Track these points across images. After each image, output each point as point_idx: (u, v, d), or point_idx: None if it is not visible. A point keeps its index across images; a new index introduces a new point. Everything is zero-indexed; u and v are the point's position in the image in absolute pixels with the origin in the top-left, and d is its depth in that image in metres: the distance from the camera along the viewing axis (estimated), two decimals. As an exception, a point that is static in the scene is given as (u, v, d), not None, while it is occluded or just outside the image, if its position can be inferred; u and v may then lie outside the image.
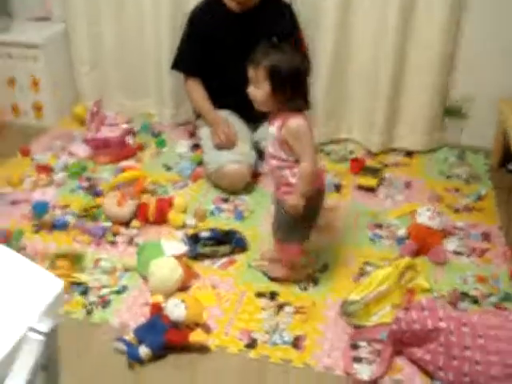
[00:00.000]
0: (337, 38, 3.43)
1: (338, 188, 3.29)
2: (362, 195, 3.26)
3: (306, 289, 2.60)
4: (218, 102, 3.35)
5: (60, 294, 1.24)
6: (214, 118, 3.29)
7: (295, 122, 2.24)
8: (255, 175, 3.33)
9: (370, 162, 3.52)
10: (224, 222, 3.01)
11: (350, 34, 3.45)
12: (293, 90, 2.24)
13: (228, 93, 3.28)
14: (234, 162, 3.13)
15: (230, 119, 3.28)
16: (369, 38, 3.43)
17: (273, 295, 2.56)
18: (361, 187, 3.28)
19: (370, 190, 3.26)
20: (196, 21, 3.29)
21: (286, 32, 3.18)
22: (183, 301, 2.32)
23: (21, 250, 2.80)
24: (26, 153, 3.63)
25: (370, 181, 3.27)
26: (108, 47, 3.91)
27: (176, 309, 2.30)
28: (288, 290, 2.58)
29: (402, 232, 2.88)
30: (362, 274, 2.67)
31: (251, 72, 2.30)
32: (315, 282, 2.64)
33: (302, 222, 2.41)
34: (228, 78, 3.27)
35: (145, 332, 2.30)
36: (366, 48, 3.46)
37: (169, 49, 3.57)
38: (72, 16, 3.85)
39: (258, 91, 2.30)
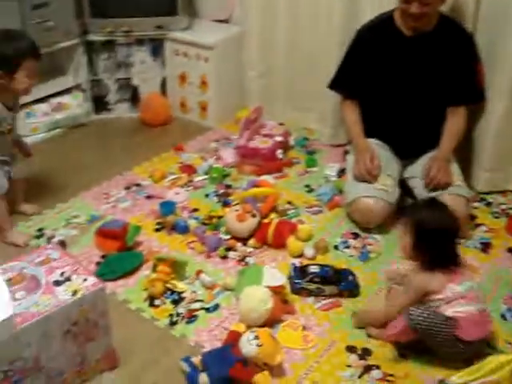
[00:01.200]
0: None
1: (486, 246, 2.88)
2: (512, 261, 2.81)
3: (404, 356, 2.28)
4: (373, 129, 3.10)
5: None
6: (361, 146, 3.05)
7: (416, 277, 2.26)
8: (396, 214, 2.99)
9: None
10: (344, 259, 2.78)
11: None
12: (434, 248, 2.21)
13: (385, 121, 3.06)
14: (370, 196, 2.87)
15: (378, 150, 3.02)
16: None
17: (364, 353, 2.29)
18: (513, 251, 2.84)
19: (525, 257, 2.81)
20: (361, 40, 3.06)
21: (464, 62, 2.94)
22: (257, 337, 2.14)
23: (135, 245, 2.80)
24: (178, 149, 3.66)
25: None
26: (278, 56, 3.83)
27: (247, 344, 2.14)
28: (383, 352, 2.29)
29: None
30: (477, 353, 2.28)
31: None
32: (418, 350, 2.30)
33: None
34: (388, 105, 3.05)
35: (212, 359, 2.17)
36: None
37: (336, 65, 3.38)
38: (248, 21, 3.84)
39: (404, 239, 2.29)
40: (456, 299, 2.17)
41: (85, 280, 2.03)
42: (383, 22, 3.00)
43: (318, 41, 3.62)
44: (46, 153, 3.59)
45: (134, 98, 4.18)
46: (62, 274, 2.05)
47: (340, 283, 2.55)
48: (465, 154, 3.18)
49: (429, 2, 2.76)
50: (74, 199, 3.21)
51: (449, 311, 2.16)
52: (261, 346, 2.12)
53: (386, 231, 2.96)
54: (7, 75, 2.71)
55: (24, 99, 3.24)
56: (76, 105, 3.97)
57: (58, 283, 2.01)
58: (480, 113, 3.15)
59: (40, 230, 2.97)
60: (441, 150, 2.97)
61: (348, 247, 2.86)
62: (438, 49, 2.93)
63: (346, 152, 3.30)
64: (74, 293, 1.97)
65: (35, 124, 3.80)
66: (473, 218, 3.04)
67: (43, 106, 3.82)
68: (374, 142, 3.08)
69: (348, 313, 2.47)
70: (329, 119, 3.68)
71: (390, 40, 2.99)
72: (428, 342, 2.19)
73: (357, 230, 2.97)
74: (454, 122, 3.01)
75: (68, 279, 2.03)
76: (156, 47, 4.04)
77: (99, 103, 4.14)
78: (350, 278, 2.59)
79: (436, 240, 2.20)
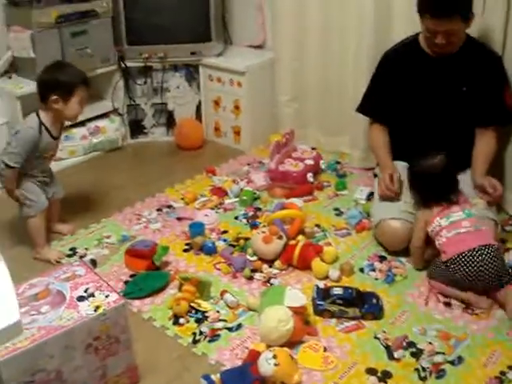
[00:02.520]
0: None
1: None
2: None
3: (425, 379, 2.27)
4: (401, 151, 3.10)
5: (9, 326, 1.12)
6: (382, 165, 3.08)
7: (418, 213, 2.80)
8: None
9: None
10: (370, 282, 2.78)
11: None
12: (424, 188, 2.80)
13: (413, 143, 3.04)
14: (395, 218, 2.88)
15: (404, 172, 3.02)
16: None
17: (385, 376, 2.28)
18: None
19: None
20: (387, 63, 3.09)
21: (492, 83, 2.94)
22: (275, 356, 2.17)
23: (163, 264, 2.86)
24: (210, 172, 3.73)
25: None
26: (310, 80, 3.88)
27: (265, 363, 2.16)
28: (404, 375, 2.28)
29: None
30: (502, 382, 2.23)
31: None
32: (441, 373, 2.29)
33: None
34: (416, 127, 3.06)
35: (231, 377, 2.20)
36: None
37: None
38: (279, 47, 3.91)
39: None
40: (441, 230, 2.66)
41: (107, 296, 2.09)
42: (408, 45, 3.03)
43: (348, 65, 3.66)
44: (82, 175, 3.71)
45: (170, 122, 4.28)
46: (86, 290, 2.11)
47: (363, 306, 2.54)
48: (495, 176, 3.14)
49: (454, 33, 2.78)
50: (107, 220, 3.30)
51: (436, 243, 2.69)
52: (278, 365, 2.14)
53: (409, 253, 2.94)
54: (62, 101, 2.84)
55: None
56: (113, 129, 4.09)
57: (81, 299, 2.07)
58: (510, 134, 3.12)
59: (72, 249, 3.06)
60: (476, 173, 2.95)
61: (374, 270, 2.86)
62: (465, 70, 2.93)
63: (375, 175, 3.31)
64: (97, 308, 2.03)
65: (73, 147, 3.93)
66: (503, 241, 3.00)
67: (81, 130, 3.94)
68: (401, 165, 3.08)
69: (370, 335, 2.46)
70: (360, 143, 3.70)
71: (415, 62, 3.00)
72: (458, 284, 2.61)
73: (383, 253, 2.97)
74: (485, 143, 2.99)
75: (91, 295, 2.09)
76: (191, 73, 4.15)
77: (135, 127, 4.26)
78: (374, 300, 2.58)
79: (424, 182, 2.76)
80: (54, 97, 2.83)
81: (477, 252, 2.54)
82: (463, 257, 2.55)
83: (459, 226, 2.63)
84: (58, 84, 2.84)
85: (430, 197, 2.77)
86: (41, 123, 2.87)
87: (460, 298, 2.61)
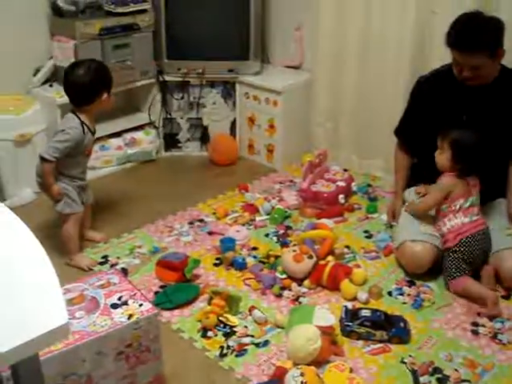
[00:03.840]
0: None
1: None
2: None
3: (450, 405, 2.27)
4: (430, 177, 3.09)
5: (55, 329, 1.15)
6: (395, 194, 3.27)
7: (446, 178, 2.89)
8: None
9: None
10: (397, 306, 2.78)
11: None
12: (467, 160, 2.83)
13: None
14: (416, 241, 2.89)
15: None
16: None
17: (408, 400, 2.28)
18: None
19: None
20: (421, 90, 3.11)
21: None
22: (302, 374, 2.19)
23: (193, 277, 2.89)
24: (243, 189, 3.76)
25: None
26: (345, 102, 3.92)
27: (292, 380, 2.19)
28: (428, 401, 2.28)
29: None
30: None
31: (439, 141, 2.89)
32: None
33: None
34: None
35: (257, 393, 2.21)
36: None
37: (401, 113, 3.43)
38: (317, 68, 3.95)
39: (442, 155, 2.88)
40: (458, 212, 2.83)
41: (140, 305, 2.12)
42: (443, 73, 3.04)
43: (384, 89, 3.69)
44: (115, 185, 3.77)
45: (204, 137, 4.33)
46: (120, 298, 2.15)
47: (390, 329, 2.55)
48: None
49: (479, 67, 2.80)
50: (139, 230, 3.35)
51: (445, 226, 2.87)
52: (305, 383, 2.15)
53: (441, 281, 2.95)
54: (108, 96, 3.00)
55: (99, 133, 3.44)
56: (148, 141, 4.15)
57: (115, 306, 2.11)
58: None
59: (104, 257, 3.11)
60: (510, 204, 2.96)
61: (402, 294, 2.86)
62: (498, 100, 2.93)
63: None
64: (130, 316, 2.07)
65: (108, 157, 3.99)
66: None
67: (117, 141, 4.01)
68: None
69: (397, 359, 2.46)
70: (392, 167, 3.69)
71: (449, 90, 3.00)
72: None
73: (412, 278, 2.97)
74: None
75: (125, 303, 2.13)
76: (227, 90, 4.20)
77: (170, 141, 4.31)
78: (401, 324, 2.59)
79: (469, 154, 2.81)
80: (105, 94, 2.96)
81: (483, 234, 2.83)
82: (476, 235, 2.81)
83: (473, 212, 2.85)
84: (109, 80, 3.00)
85: (470, 168, 2.85)
86: (82, 123, 2.96)
87: (479, 295, 2.74)
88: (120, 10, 3.75)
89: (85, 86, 2.92)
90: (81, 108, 2.97)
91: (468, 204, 2.86)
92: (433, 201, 2.93)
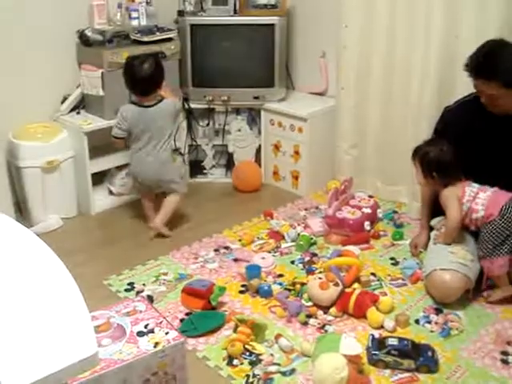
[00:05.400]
0: None
1: None
2: None
3: None
4: None
5: (85, 359, 1.14)
6: (420, 227, 3.31)
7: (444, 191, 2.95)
8: (477, 290, 2.98)
9: None
10: (425, 334, 2.75)
11: None
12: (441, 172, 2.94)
13: None
14: (446, 269, 2.86)
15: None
16: None
17: (437, 431, 2.24)
18: None
19: None
20: (448, 118, 3.11)
21: None
22: (328, 404, 2.15)
23: (219, 305, 2.89)
24: (268, 216, 3.76)
25: None
26: (371, 129, 3.93)
27: (319, 410, 2.15)
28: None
29: None
30: None
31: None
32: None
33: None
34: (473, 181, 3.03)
35: (284, 423, 2.19)
36: None
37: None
38: (341, 95, 3.96)
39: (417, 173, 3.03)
40: (477, 193, 2.88)
41: (167, 333, 2.12)
42: (470, 101, 3.03)
43: (409, 115, 3.69)
44: (141, 211, 3.77)
45: (229, 164, 4.35)
46: (146, 325, 2.15)
47: (418, 358, 2.51)
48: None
49: (496, 97, 2.80)
50: (164, 257, 3.36)
51: (478, 207, 2.87)
52: (333, 413, 2.13)
53: (469, 308, 2.91)
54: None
55: (125, 160, 3.49)
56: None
57: (141, 334, 2.11)
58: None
59: (130, 283, 3.12)
60: None
61: (429, 322, 2.83)
62: None
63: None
64: (156, 345, 2.06)
65: (134, 183, 4.00)
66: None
67: (143, 167, 4.02)
68: None
69: (425, 389, 2.43)
70: (418, 194, 3.67)
71: (475, 119, 2.99)
72: None
73: (439, 306, 2.93)
74: None
75: (151, 331, 2.13)
76: (252, 116, 4.24)
77: (196, 167, 4.33)
78: (429, 353, 2.55)
79: (439, 166, 2.93)
80: (164, 82, 3.42)
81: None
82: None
83: (486, 189, 2.92)
84: (163, 69, 3.47)
85: (452, 176, 2.95)
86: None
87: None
88: (146, 38, 3.80)
89: (150, 77, 3.37)
90: (148, 97, 3.40)
91: (475, 188, 2.92)
92: (456, 211, 2.91)
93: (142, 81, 3.36)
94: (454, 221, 2.92)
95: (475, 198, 2.88)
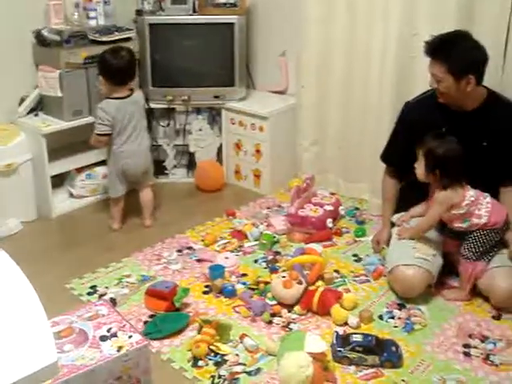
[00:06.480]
0: None
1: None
2: None
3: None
4: (418, 202, 3.10)
5: (45, 368, 1.12)
6: (382, 223, 3.33)
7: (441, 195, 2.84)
8: (439, 285, 3.02)
9: None
10: (388, 329, 2.77)
11: None
12: (445, 170, 2.80)
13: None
14: (409, 265, 2.88)
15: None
16: None
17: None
18: None
19: None
20: (407, 115, 3.13)
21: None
22: (295, 402, 2.16)
23: (183, 306, 2.87)
24: (231, 215, 3.75)
25: None
26: (332, 127, 3.95)
27: (285, 409, 2.15)
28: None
29: None
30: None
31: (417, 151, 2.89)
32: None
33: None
34: None
35: (250, 423, 2.18)
36: None
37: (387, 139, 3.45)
38: (302, 93, 3.97)
39: (420, 167, 2.87)
40: (477, 199, 2.82)
41: (130, 337, 2.10)
42: (430, 97, 3.04)
43: (369, 113, 3.72)
44: (102, 213, 3.74)
45: (191, 164, 4.33)
46: (109, 329, 2.13)
47: (382, 354, 2.53)
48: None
49: (439, 80, 2.86)
50: (127, 259, 3.32)
51: (481, 213, 2.82)
52: (299, 411, 2.13)
53: (431, 303, 2.94)
54: None
55: (85, 161, 3.43)
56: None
57: (104, 338, 2.08)
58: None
59: (93, 287, 3.08)
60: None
61: (393, 318, 2.85)
62: (486, 125, 2.93)
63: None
64: (119, 349, 2.04)
65: (94, 185, 3.97)
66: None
67: (103, 169, 3.98)
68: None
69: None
70: (379, 190, 3.70)
71: (435, 114, 3.01)
72: None
73: (402, 301, 2.96)
74: (508, 203, 2.96)
75: (114, 335, 2.10)
76: (213, 116, 4.22)
77: (157, 168, 4.29)
78: (393, 348, 2.57)
79: (444, 164, 2.78)
80: None
81: None
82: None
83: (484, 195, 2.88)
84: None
85: (454, 178, 2.82)
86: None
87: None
88: (105, 38, 3.75)
89: (131, 65, 3.48)
90: (126, 86, 3.46)
91: (473, 191, 2.86)
92: (438, 216, 2.88)
93: (123, 69, 3.43)
94: (431, 223, 2.92)
95: (477, 204, 2.83)
